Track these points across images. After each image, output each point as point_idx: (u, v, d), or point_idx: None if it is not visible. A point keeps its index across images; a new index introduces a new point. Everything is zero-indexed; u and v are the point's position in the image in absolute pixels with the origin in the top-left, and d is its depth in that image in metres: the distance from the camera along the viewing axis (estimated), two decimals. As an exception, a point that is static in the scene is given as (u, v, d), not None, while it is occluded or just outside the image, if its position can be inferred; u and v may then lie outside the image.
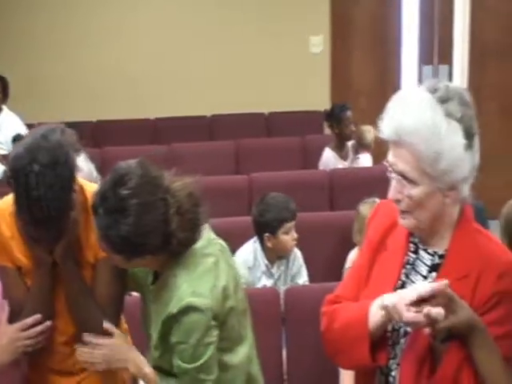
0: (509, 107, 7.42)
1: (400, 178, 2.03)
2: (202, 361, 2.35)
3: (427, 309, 1.91)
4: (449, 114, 1.98)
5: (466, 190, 2.07)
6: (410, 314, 1.94)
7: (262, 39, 7.40)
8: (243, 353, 2.51)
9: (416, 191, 2.02)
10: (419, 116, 1.97)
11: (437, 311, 1.92)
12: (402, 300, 1.96)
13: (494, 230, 2.22)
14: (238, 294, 2.48)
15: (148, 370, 2.47)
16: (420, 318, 1.93)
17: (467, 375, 1.99)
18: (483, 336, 1.98)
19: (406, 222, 2.10)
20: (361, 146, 6.29)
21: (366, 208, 4.12)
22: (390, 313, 1.99)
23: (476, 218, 2.22)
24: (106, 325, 2.49)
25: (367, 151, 6.32)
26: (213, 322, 2.35)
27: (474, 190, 2.12)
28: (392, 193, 2.07)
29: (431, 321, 1.93)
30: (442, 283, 1.94)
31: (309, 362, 3.39)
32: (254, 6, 7.41)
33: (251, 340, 2.55)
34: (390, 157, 2.06)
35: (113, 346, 2.49)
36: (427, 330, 1.95)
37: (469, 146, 2.00)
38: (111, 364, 2.52)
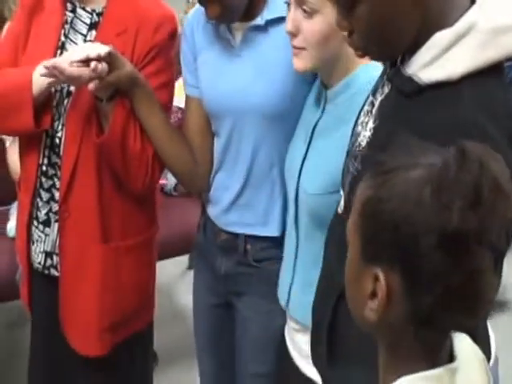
0: None
1: None
2: None
3: (94, 63, 1.89)
4: None
5: None
6: (73, 69, 1.90)
7: None
8: None
9: None
10: None
11: (102, 66, 1.91)
12: (66, 58, 1.93)
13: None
14: None
15: None
16: (84, 71, 1.90)
17: (133, 133, 2.05)
18: (144, 89, 2.03)
19: None
20: None
21: None
22: (51, 73, 1.93)
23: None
24: None
25: None
26: None
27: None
28: None
29: (96, 75, 1.92)
30: (107, 47, 1.92)
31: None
32: None
33: None
34: None
35: None
36: (91, 86, 1.93)
37: None
38: None
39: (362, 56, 1.46)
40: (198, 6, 2.06)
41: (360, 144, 1.46)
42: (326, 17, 1.70)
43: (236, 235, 2.11)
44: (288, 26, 1.75)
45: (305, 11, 1.72)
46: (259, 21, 1.96)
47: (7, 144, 3.19)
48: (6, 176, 3.09)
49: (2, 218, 3.25)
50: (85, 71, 1.90)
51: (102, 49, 1.92)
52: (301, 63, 1.77)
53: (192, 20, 2.10)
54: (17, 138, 3.00)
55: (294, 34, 1.76)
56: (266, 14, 1.95)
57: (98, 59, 1.91)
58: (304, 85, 1.95)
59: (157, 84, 2.07)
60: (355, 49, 1.42)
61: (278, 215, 2.06)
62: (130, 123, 2.04)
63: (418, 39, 1.33)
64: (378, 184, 1.03)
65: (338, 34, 1.67)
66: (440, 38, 1.30)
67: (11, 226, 3.16)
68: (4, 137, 3.18)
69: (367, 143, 1.43)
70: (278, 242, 2.05)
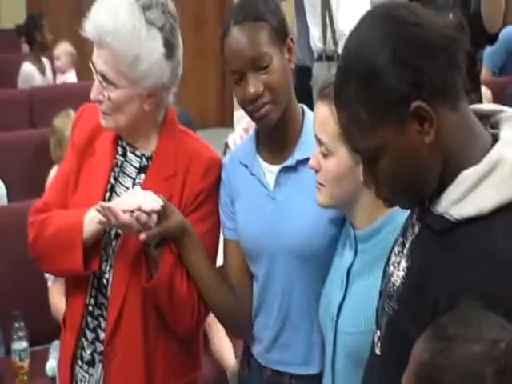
0: (201, 20, 7.74)
1: (101, 78, 2.05)
2: None
3: (137, 213, 1.95)
4: (150, 22, 2.02)
5: (167, 98, 2.13)
6: (126, 217, 1.96)
7: None
8: None
9: (115, 94, 2.04)
10: (119, 18, 1.99)
11: (152, 218, 1.98)
12: (118, 204, 1.99)
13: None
14: None
15: None
16: (135, 221, 1.96)
17: (180, 277, 2.07)
18: (192, 240, 2.07)
19: (105, 123, 2.11)
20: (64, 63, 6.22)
21: (59, 121, 4.07)
22: (105, 215, 1.98)
23: (184, 125, 2.28)
24: None
25: (71, 68, 6.24)
26: None
27: (177, 100, 2.19)
28: (93, 93, 2.08)
29: (144, 226, 1.97)
30: (160, 200, 1.99)
31: (13, 280, 3.31)
32: None
33: None
34: (94, 56, 2.07)
35: None
36: (143, 236, 1.99)
37: (168, 56, 2.05)
38: None
39: (390, 206, 1.50)
40: (232, 151, 2.13)
41: (394, 284, 1.47)
42: (340, 158, 1.80)
43: (281, 372, 2.10)
44: (311, 161, 1.88)
45: (321, 151, 1.83)
46: (290, 161, 2.02)
47: (49, 283, 3.22)
48: (47, 314, 3.10)
49: (41, 357, 3.23)
50: (134, 221, 1.96)
51: (156, 203, 1.97)
52: (321, 198, 1.87)
53: (228, 165, 2.15)
54: (58, 277, 3.04)
55: (316, 170, 1.86)
56: (297, 155, 2.02)
57: (150, 213, 1.96)
58: (336, 224, 1.98)
59: (204, 230, 2.11)
60: (383, 200, 1.46)
61: (318, 353, 2.05)
62: (178, 267, 2.06)
63: (443, 179, 1.36)
64: (437, 350, 1.02)
65: (352, 175, 1.77)
66: (468, 175, 1.34)
67: (50, 366, 3.15)
68: (46, 276, 3.21)
69: (401, 283, 1.44)
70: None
